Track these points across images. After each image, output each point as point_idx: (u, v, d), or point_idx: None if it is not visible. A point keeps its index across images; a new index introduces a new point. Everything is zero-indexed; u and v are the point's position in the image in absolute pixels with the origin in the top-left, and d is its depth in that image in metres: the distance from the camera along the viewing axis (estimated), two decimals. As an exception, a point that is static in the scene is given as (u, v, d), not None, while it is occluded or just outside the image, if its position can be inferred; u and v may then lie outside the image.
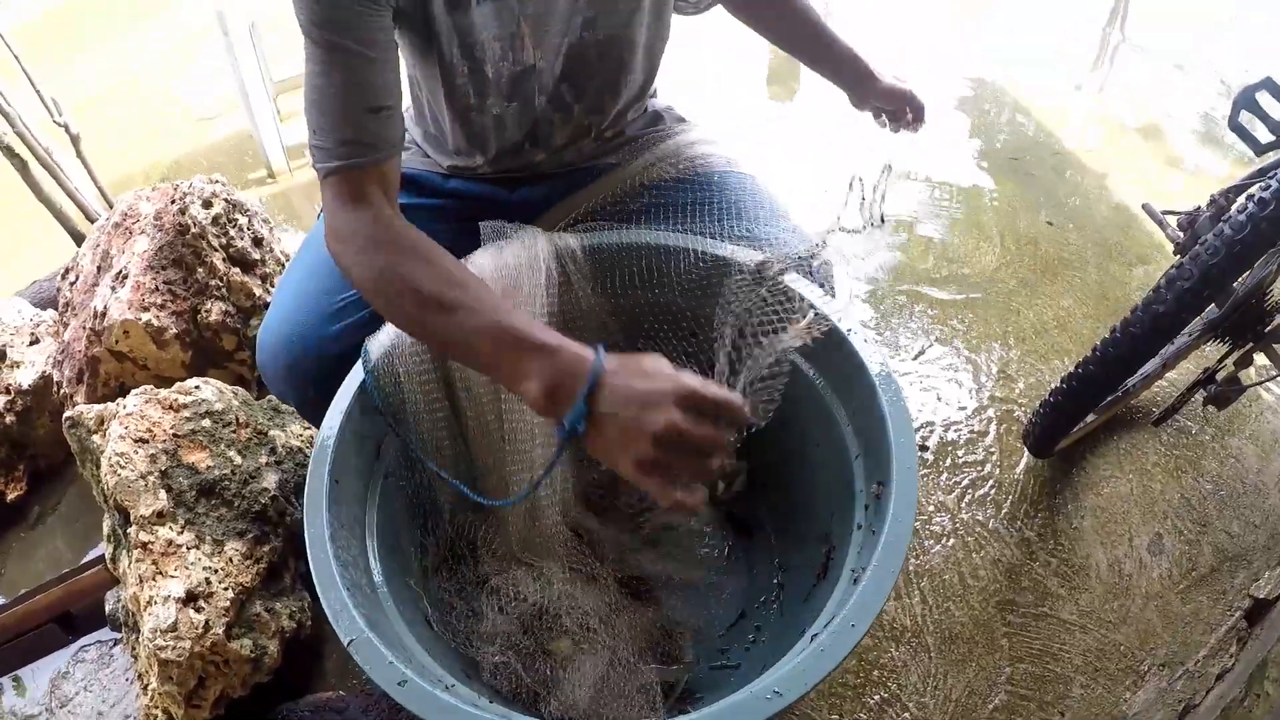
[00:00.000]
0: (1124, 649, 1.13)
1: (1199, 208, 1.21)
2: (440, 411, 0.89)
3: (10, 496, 1.61)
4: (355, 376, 0.88)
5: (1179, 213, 1.26)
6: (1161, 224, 1.35)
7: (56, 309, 1.67)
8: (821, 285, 0.91)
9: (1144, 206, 1.40)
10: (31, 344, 1.65)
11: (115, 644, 1.36)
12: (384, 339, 0.88)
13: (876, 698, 1.07)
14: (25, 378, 1.58)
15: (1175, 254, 1.21)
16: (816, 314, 0.86)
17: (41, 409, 1.58)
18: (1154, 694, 1.10)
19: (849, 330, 0.86)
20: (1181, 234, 1.23)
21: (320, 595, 0.71)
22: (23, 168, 1.88)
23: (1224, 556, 1.23)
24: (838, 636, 0.64)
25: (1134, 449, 1.36)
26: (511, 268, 0.89)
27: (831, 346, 0.87)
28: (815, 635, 0.70)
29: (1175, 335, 1.07)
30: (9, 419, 1.57)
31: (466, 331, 0.72)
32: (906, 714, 1.06)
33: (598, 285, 0.95)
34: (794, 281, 0.89)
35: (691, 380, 0.64)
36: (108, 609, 1.31)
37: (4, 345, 1.63)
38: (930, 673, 1.10)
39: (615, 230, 0.96)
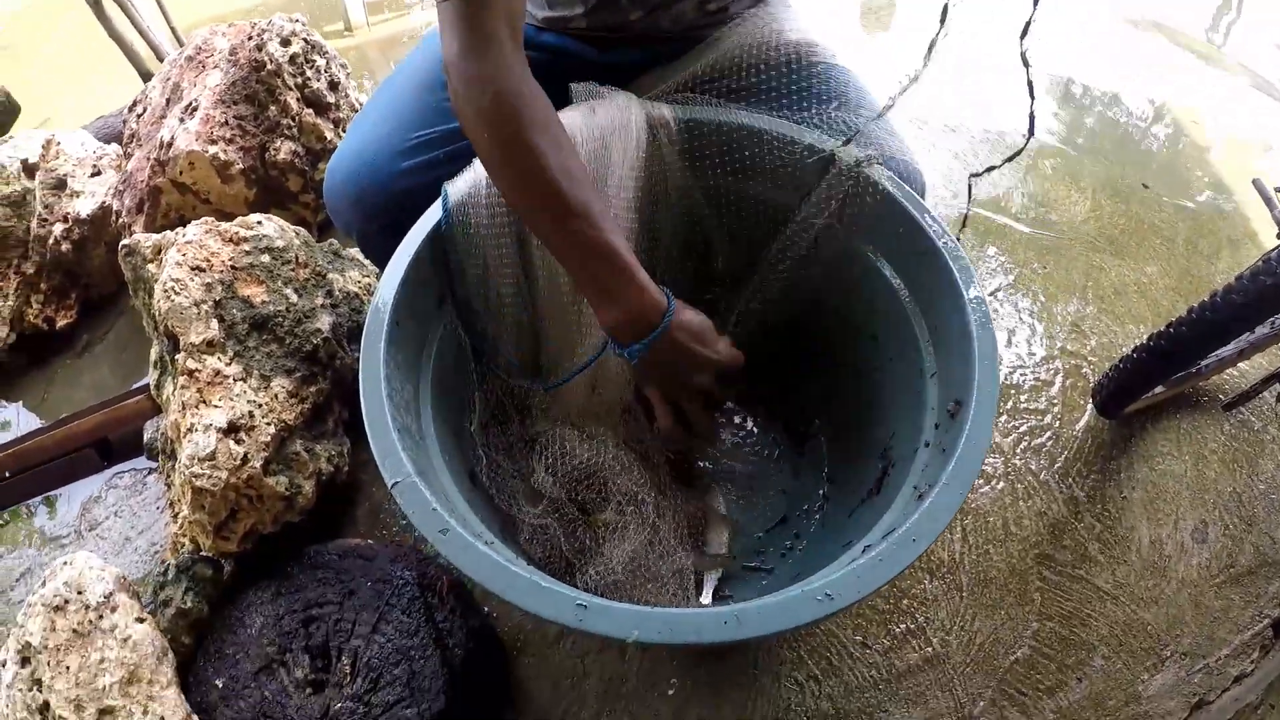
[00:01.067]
0: (1151, 629, 1.10)
1: (1316, 186, 1.14)
2: (509, 269, 0.86)
3: (60, 323, 1.63)
4: (429, 219, 0.85)
5: (1294, 190, 1.19)
6: (1270, 202, 1.28)
7: (121, 144, 1.66)
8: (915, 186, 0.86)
9: (1254, 182, 1.32)
10: (93, 175, 1.65)
11: (149, 473, 1.38)
12: (462, 186, 0.85)
13: (902, 627, 1.06)
14: (85, 207, 1.58)
15: (1280, 235, 1.15)
16: (909, 218, 0.82)
17: (98, 239, 1.58)
18: (1171, 681, 1.07)
19: (944, 243, 0.81)
20: (1292, 213, 1.16)
21: (369, 433, 0.69)
22: (95, 3, 1.86)
23: (1264, 560, 1.19)
24: (898, 549, 0.61)
25: (1195, 431, 1.31)
26: (603, 129, 0.85)
27: (922, 258, 0.83)
28: (869, 547, 0.68)
29: (1274, 314, 1.02)
30: (64, 246, 1.57)
31: (576, 237, 0.74)
32: (929, 648, 1.04)
33: (687, 161, 0.90)
34: (890, 183, 0.84)
35: (728, 358, 0.83)
36: (146, 438, 1.33)
37: (66, 175, 1.63)
38: (959, 612, 1.08)
39: (711, 107, 0.91)
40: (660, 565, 0.84)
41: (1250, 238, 1.68)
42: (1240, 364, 1.33)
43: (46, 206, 1.58)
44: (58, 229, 1.56)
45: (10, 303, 1.59)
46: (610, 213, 0.77)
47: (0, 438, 1.55)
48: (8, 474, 1.44)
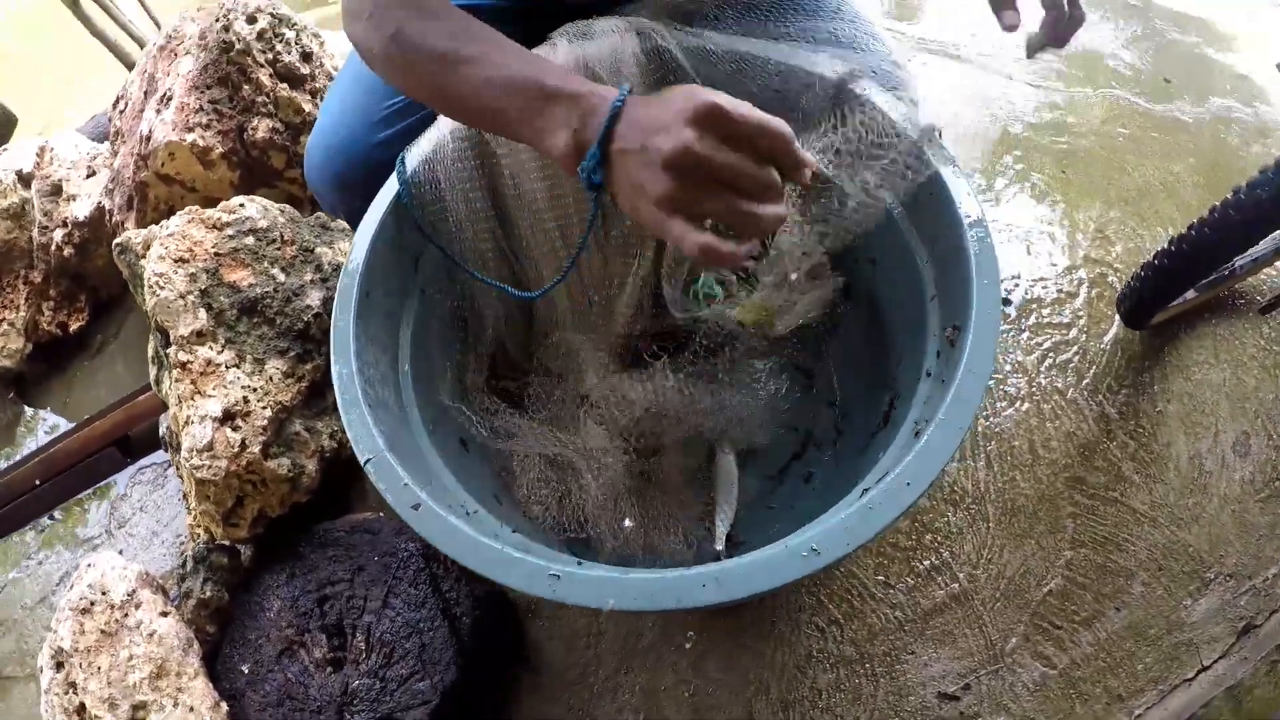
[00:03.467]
0: (1192, 551, 1.05)
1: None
2: (484, 221, 0.84)
3: (73, 327, 1.65)
4: (390, 188, 0.83)
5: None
6: (1299, 86, 1.19)
7: (109, 142, 1.66)
8: (906, 101, 0.80)
9: (1278, 65, 1.23)
10: (88, 177, 1.65)
11: (169, 466, 1.40)
12: (424, 146, 0.83)
13: (926, 563, 1.02)
14: (81, 210, 1.58)
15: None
16: (900, 136, 0.77)
17: (99, 240, 1.59)
18: (1216, 605, 1.02)
19: (939, 155, 0.76)
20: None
21: (340, 411, 0.68)
22: (73, 4, 1.85)
23: (1312, 471, 1.13)
24: (889, 495, 0.57)
25: (1233, 337, 1.24)
26: (589, 61, 0.81)
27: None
28: (866, 490, 0.64)
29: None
30: (67, 251, 1.58)
31: (487, 84, 0.63)
32: (955, 585, 1.01)
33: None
34: (877, 97, 0.79)
35: (714, 95, 0.53)
36: (161, 431, 1.34)
37: (61, 179, 1.63)
38: (986, 544, 1.04)
39: (685, 33, 0.86)
40: (667, 514, 0.82)
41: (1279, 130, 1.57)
42: (1278, 263, 1.25)
43: (45, 214, 1.59)
44: (58, 235, 1.57)
45: (23, 313, 1.61)
46: (533, 54, 0.66)
47: (30, 444, 1.59)
48: (39, 482, 1.47)
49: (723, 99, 0.53)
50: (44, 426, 1.62)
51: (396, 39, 0.68)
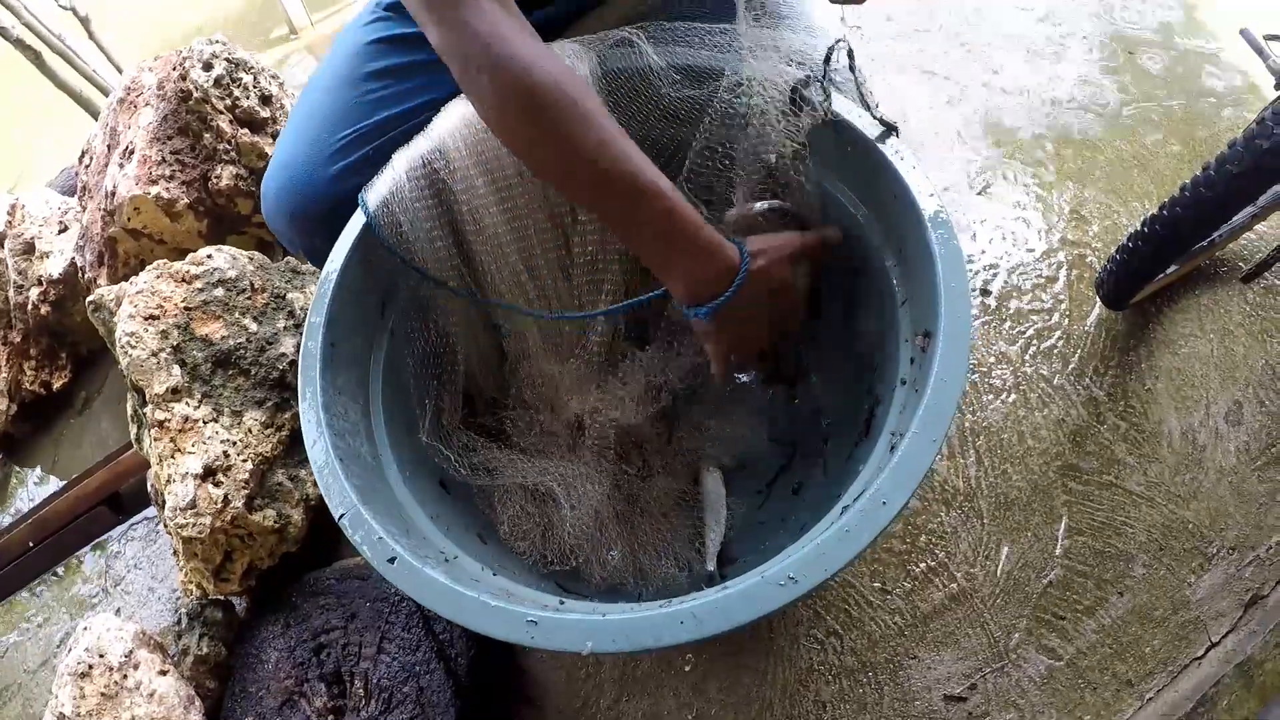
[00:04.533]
0: (1192, 527, 1.04)
1: (1309, 32, 1.04)
2: (450, 261, 0.83)
3: (56, 385, 1.64)
4: (350, 232, 0.82)
5: (1283, 38, 1.09)
6: (1262, 52, 1.17)
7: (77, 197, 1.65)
8: (860, 95, 0.80)
9: (1242, 32, 1.22)
10: (60, 232, 1.64)
11: (160, 521, 1.39)
12: (381, 188, 0.81)
13: (923, 565, 1.01)
14: (55, 267, 1.57)
15: (1277, 87, 1.05)
16: (854, 134, 0.76)
17: (75, 296, 1.58)
18: (1221, 579, 1.01)
19: (895, 153, 0.75)
20: (1286, 64, 1.06)
21: (313, 468, 0.67)
22: (37, 58, 1.84)
23: (1308, 433, 1.12)
24: (865, 516, 0.56)
25: (1217, 306, 1.23)
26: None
27: (875, 176, 0.77)
28: (846, 507, 0.63)
29: (1277, 180, 0.93)
30: (44, 309, 1.57)
31: (634, 213, 0.68)
32: (954, 584, 1.00)
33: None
34: (832, 99, 0.78)
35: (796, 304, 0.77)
36: (149, 487, 1.33)
37: (33, 237, 1.62)
38: (982, 541, 1.03)
39: (634, 52, 0.84)
40: (657, 538, 0.81)
41: (1252, 90, 1.56)
42: (1258, 226, 1.24)
43: (20, 272, 1.58)
44: (34, 293, 1.56)
45: (4, 374, 1.60)
46: (662, 175, 0.69)
47: (22, 504, 1.58)
48: (31, 544, 1.46)
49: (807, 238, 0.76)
50: (34, 486, 1.61)
51: (559, 86, 0.66)
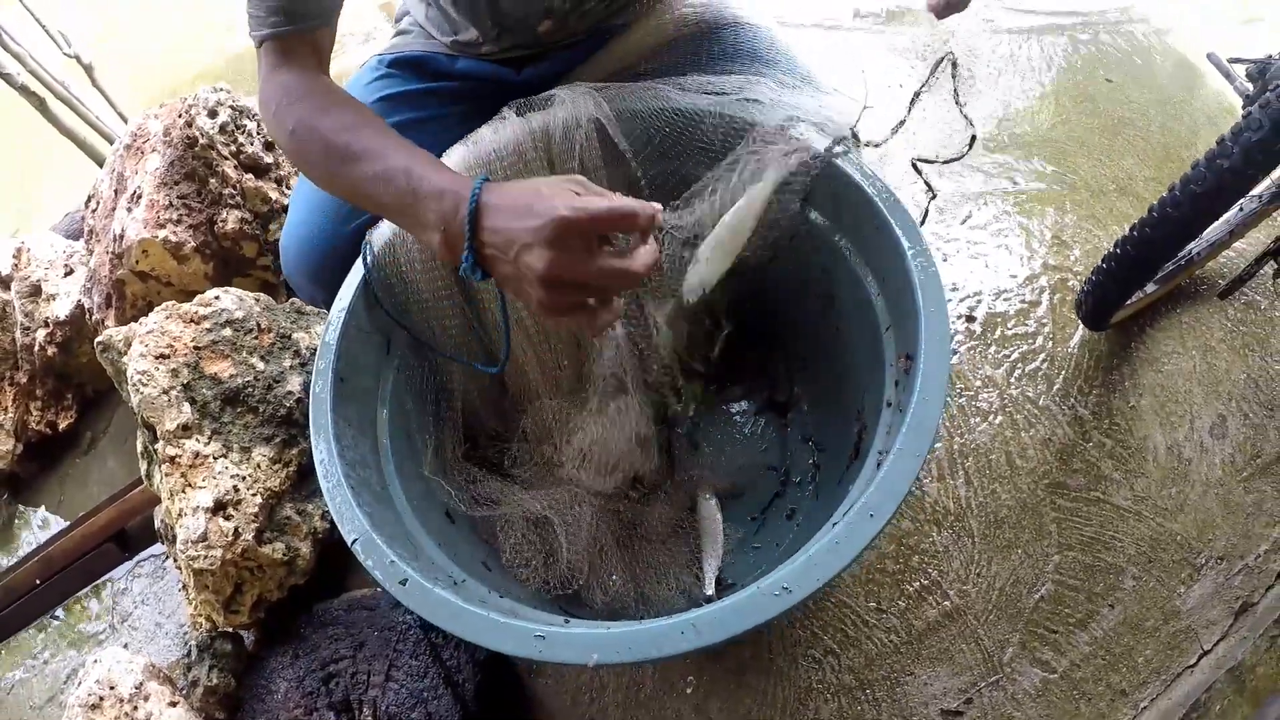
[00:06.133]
0: (1180, 539, 1.07)
1: (1271, 55, 1.08)
2: (448, 298, 0.86)
3: (62, 425, 1.66)
4: (357, 273, 0.85)
5: (1248, 60, 1.13)
6: (1228, 75, 1.22)
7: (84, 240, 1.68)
8: (846, 139, 0.83)
9: (1209, 56, 1.27)
10: (66, 275, 1.67)
11: (167, 557, 1.40)
12: (385, 230, 0.85)
13: (916, 584, 1.04)
14: (62, 309, 1.60)
15: (1244, 107, 1.10)
16: (841, 173, 0.80)
17: (81, 338, 1.61)
18: (1210, 589, 1.04)
19: (875, 190, 0.79)
20: (1250, 85, 1.11)
21: (325, 496, 0.70)
22: (41, 105, 1.88)
23: (1291, 443, 1.15)
24: (854, 528, 0.59)
25: (1198, 323, 1.26)
26: (510, 146, 0.84)
27: (857, 208, 0.81)
28: (835, 524, 0.66)
29: (1242, 196, 0.97)
30: (51, 351, 1.60)
31: (370, 179, 0.68)
32: (947, 602, 1.02)
33: (610, 157, 0.88)
34: (813, 137, 0.82)
35: (567, 209, 0.58)
36: (156, 524, 1.35)
37: (39, 280, 1.65)
38: (973, 559, 1.05)
39: (629, 97, 0.89)
40: (657, 564, 0.84)
41: (1228, 112, 1.61)
42: (1236, 244, 1.28)
43: (27, 314, 1.61)
44: (40, 335, 1.59)
45: (11, 414, 1.63)
46: (391, 137, 0.71)
47: (28, 544, 1.60)
48: (39, 581, 1.47)
49: (573, 210, 0.59)
50: (40, 525, 1.63)
51: (295, 133, 0.74)
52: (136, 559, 1.45)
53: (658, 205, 0.63)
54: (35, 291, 1.62)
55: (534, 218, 0.59)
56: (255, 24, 0.77)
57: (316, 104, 0.74)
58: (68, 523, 1.56)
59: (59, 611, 1.48)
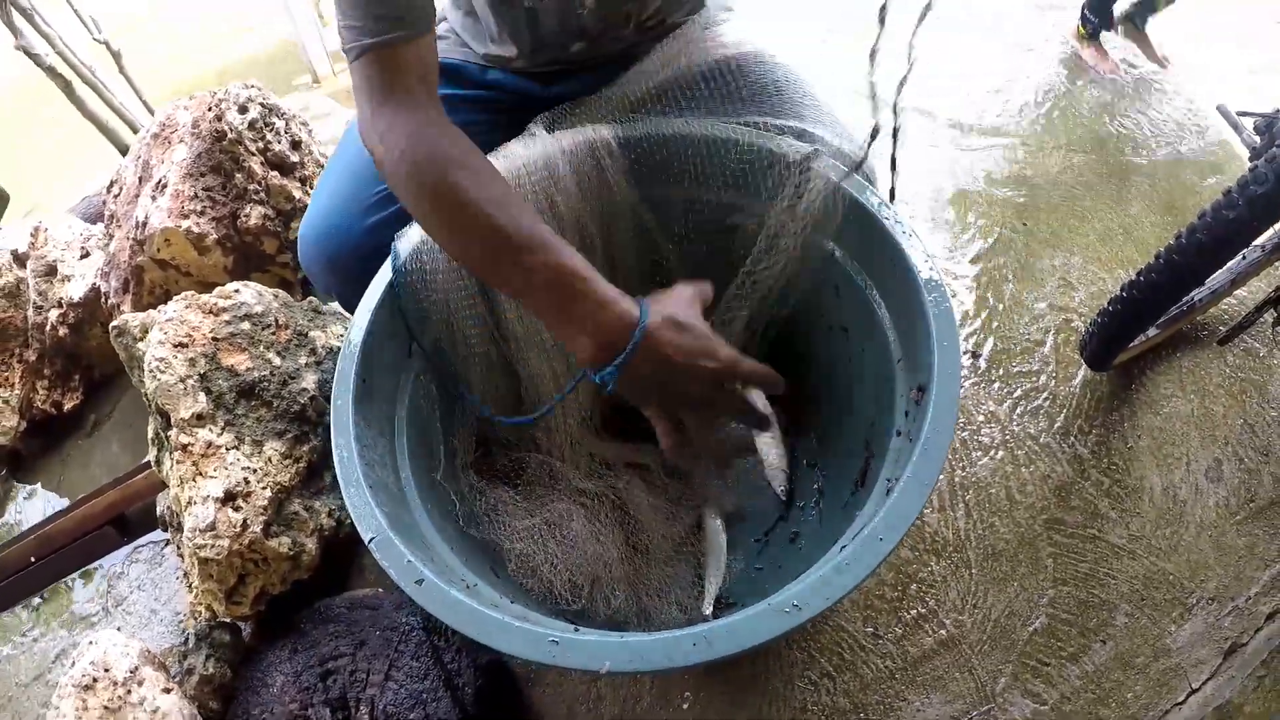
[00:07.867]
0: (1173, 579, 1.09)
1: (1278, 109, 1.11)
2: (472, 310, 0.88)
3: (67, 406, 1.67)
4: (385, 274, 0.86)
5: (1256, 114, 1.16)
6: (1236, 127, 1.26)
7: (103, 224, 1.70)
8: (865, 177, 0.86)
9: (1218, 108, 1.30)
10: (82, 258, 1.68)
11: (167, 544, 1.41)
12: (414, 235, 0.87)
13: (913, 612, 1.05)
14: (76, 291, 1.61)
15: (1250, 160, 1.12)
16: (861, 208, 0.82)
17: (93, 320, 1.62)
18: (1201, 629, 1.05)
19: (895, 226, 0.81)
20: (1258, 138, 1.14)
21: (343, 493, 0.71)
22: (66, 87, 1.90)
23: (1286, 489, 1.17)
24: (863, 550, 0.61)
25: (1197, 368, 1.29)
26: (540, 161, 0.86)
27: (876, 244, 0.83)
28: (844, 547, 0.68)
29: (1246, 246, 1.00)
30: (62, 331, 1.61)
31: (534, 268, 0.68)
32: (943, 631, 1.04)
33: (631, 178, 0.91)
34: (836, 173, 0.84)
35: (727, 362, 0.69)
36: (158, 511, 1.36)
37: (55, 260, 1.67)
38: (970, 590, 1.07)
39: (651, 121, 0.91)
40: (660, 582, 0.85)
41: (1234, 158, 1.64)
42: (1237, 291, 1.30)
43: (40, 294, 1.62)
44: (53, 315, 1.60)
45: (17, 391, 1.63)
46: (552, 231, 0.70)
47: (25, 521, 1.60)
48: (33, 559, 1.48)
49: (729, 362, 0.69)
50: (40, 503, 1.63)
51: (441, 196, 0.70)
52: (134, 544, 1.45)
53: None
54: (51, 271, 1.63)
55: (702, 357, 0.69)
56: (352, 35, 0.72)
57: (455, 163, 0.70)
58: (67, 502, 1.56)
59: (48, 591, 1.48)
